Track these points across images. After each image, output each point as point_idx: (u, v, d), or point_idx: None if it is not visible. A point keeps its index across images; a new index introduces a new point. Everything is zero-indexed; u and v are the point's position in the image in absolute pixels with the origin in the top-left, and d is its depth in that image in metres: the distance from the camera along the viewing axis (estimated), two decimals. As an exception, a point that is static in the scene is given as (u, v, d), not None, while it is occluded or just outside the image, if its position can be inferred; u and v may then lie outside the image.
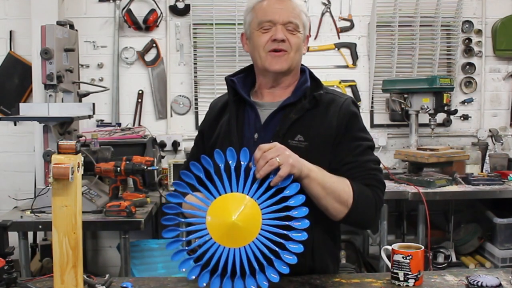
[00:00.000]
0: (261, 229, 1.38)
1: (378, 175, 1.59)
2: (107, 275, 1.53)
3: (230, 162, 1.43)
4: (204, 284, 1.39)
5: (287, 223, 1.37)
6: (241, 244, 1.37)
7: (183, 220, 1.44)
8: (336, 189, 1.48)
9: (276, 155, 1.37)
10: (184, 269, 1.40)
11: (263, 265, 1.36)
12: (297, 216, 1.38)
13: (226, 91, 1.73)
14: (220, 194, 1.41)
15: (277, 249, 1.36)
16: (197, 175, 1.43)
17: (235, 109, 1.64)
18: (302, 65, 1.71)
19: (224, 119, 1.67)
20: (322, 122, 1.58)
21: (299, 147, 1.53)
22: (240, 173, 1.41)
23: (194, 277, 1.40)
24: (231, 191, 1.41)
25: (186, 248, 1.43)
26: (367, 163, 1.58)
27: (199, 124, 1.77)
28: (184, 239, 1.44)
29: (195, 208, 1.43)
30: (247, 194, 1.40)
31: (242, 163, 1.43)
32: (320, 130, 1.57)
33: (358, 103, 3.84)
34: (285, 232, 1.37)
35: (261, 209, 1.39)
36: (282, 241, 1.36)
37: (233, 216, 1.37)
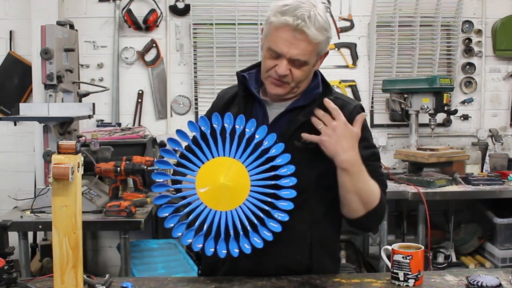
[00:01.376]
0: (250, 190, 1.44)
1: (385, 180, 1.66)
2: (107, 275, 1.53)
3: (215, 125, 1.50)
4: (198, 246, 1.45)
5: (275, 182, 1.43)
6: (232, 206, 1.44)
7: (172, 177, 1.55)
8: (366, 192, 1.52)
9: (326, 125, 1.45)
10: (179, 234, 1.46)
11: (256, 225, 1.41)
12: (285, 174, 1.43)
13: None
14: (207, 159, 1.48)
15: (268, 208, 1.41)
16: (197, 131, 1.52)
17: (244, 104, 1.63)
18: None
19: (231, 112, 1.66)
20: None
21: (304, 149, 1.54)
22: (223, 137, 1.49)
23: (189, 241, 1.45)
24: (218, 155, 1.48)
25: (179, 213, 1.48)
26: (380, 169, 1.64)
27: (205, 113, 1.76)
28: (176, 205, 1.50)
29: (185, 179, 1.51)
30: (234, 157, 1.47)
31: (239, 127, 1.48)
32: None
33: (358, 103, 3.84)
34: (274, 191, 1.43)
35: (248, 171, 1.45)
36: (272, 200, 1.42)
37: (222, 178, 1.44)
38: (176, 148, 1.54)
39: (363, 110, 1.66)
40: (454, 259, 3.45)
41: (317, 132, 1.54)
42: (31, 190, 3.19)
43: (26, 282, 1.47)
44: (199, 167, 1.48)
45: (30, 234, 3.34)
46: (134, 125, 3.75)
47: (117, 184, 2.76)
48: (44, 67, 2.61)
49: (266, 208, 1.42)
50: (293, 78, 1.52)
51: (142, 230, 2.59)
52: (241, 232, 1.42)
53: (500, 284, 1.43)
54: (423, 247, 1.50)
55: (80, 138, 2.84)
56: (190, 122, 1.54)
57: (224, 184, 1.44)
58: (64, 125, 2.71)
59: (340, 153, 1.46)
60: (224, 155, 1.48)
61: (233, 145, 1.48)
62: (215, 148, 1.48)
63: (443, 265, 3.38)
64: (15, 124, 3.69)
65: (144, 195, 2.81)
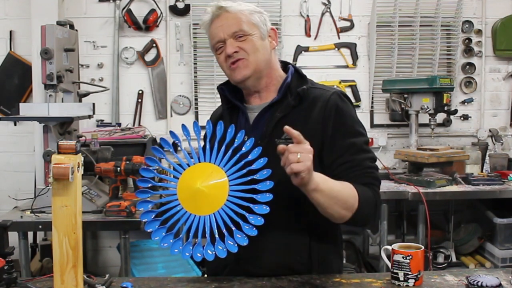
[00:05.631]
0: (229, 195, 1.46)
1: (374, 172, 1.57)
2: (107, 275, 1.53)
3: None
4: (176, 251, 1.47)
5: (253, 186, 1.44)
6: (210, 211, 1.46)
7: (156, 183, 1.56)
8: (343, 197, 1.46)
9: (299, 152, 1.34)
10: (156, 237, 1.48)
11: (232, 229, 1.43)
12: (261, 178, 1.44)
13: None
14: (189, 165, 1.51)
15: (244, 212, 1.43)
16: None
17: (229, 117, 1.68)
18: (288, 63, 1.71)
19: None
20: (306, 118, 1.56)
21: (286, 145, 1.52)
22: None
23: (165, 244, 1.48)
24: (199, 162, 1.52)
25: (158, 216, 1.51)
26: (364, 162, 1.55)
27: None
28: (157, 209, 1.53)
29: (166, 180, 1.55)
30: (214, 163, 1.50)
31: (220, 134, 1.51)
32: (305, 126, 1.52)
33: (358, 103, 3.84)
34: (251, 195, 1.44)
35: (227, 176, 1.48)
36: (249, 204, 1.43)
37: (199, 184, 1.47)
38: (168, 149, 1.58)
39: (345, 96, 1.62)
40: (454, 259, 3.46)
41: (294, 125, 1.49)
42: (31, 190, 3.19)
43: (26, 282, 1.47)
44: (181, 173, 1.52)
45: (30, 234, 3.34)
46: (134, 125, 3.75)
47: (117, 184, 2.76)
48: (44, 67, 2.61)
49: (243, 212, 1.44)
50: (245, 50, 1.59)
51: (142, 230, 2.58)
52: (217, 236, 1.43)
53: (500, 284, 1.43)
54: (423, 247, 1.50)
55: (80, 138, 2.84)
56: (195, 123, 1.59)
57: (199, 189, 1.46)
58: (64, 125, 2.71)
59: (313, 175, 1.38)
60: (207, 162, 1.51)
61: (213, 151, 1.51)
62: (202, 155, 1.52)
63: (443, 265, 3.38)
64: (15, 124, 3.69)
65: (144, 195, 2.81)
